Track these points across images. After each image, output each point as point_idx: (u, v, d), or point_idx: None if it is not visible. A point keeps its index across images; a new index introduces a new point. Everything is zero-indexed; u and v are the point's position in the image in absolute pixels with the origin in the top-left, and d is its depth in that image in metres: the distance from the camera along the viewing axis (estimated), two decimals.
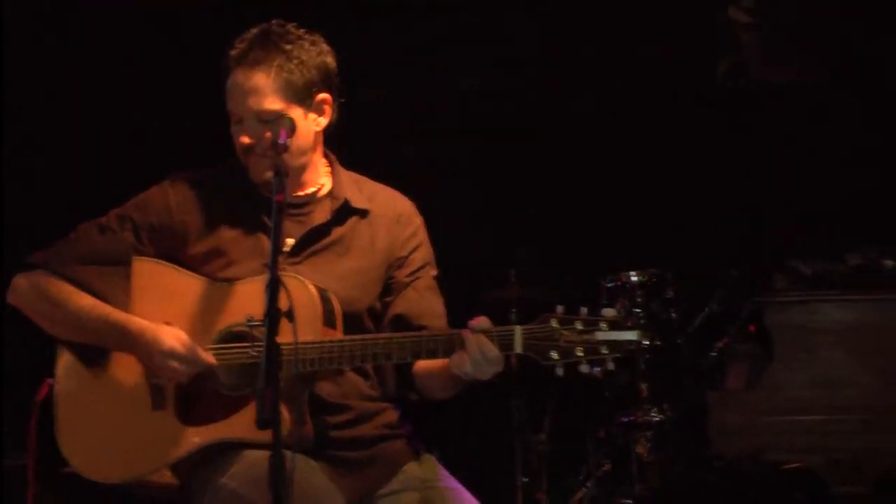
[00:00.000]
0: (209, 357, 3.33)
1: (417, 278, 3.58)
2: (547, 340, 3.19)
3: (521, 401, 5.76)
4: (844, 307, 4.54)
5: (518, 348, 3.19)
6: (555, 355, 3.19)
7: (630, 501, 5.36)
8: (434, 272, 3.64)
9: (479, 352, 3.19)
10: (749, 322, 5.20)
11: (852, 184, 6.01)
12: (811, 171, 6.11)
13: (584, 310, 3.21)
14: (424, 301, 3.56)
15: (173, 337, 3.32)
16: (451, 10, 6.27)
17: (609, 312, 3.20)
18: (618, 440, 5.55)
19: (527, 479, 5.74)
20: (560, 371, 3.21)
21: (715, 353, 5.42)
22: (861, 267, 4.83)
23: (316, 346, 3.26)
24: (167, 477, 3.42)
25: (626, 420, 5.45)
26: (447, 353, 3.26)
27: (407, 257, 3.58)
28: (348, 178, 3.63)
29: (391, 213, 3.61)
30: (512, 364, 5.59)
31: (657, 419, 5.39)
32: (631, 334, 3.18)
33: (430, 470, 3.50)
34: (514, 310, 5.62)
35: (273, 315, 2.85)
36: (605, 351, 3.19)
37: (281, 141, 3.24)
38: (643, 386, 5.45)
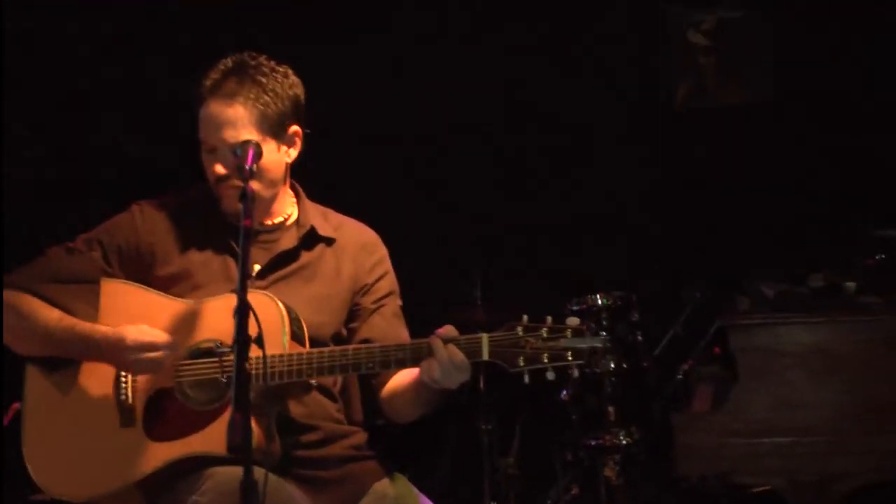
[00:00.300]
0: (169, 338, 3.36)
1: (383, 305, 3.63)
2: (513, 347, 3.24)
3: (490, 424, 5.78)
4: (807, 329, 4.57)
5: (485, 355, 3.25)
6: (521, 362, 3.23)
7: None
8: (399, 302, 3.67)
9: (448, 358, 3.23)
10: (713, 344, 5.24)
11: (812, 206, 6.08)
12: (775, 192, 6.17)
13: (548, 318, 3.27)
14: (391, 327, 3.60)
15: (137, 331, 3.35)
16: None
17: (573, 321, 3.27)
18: (585, 463, 5.58)
19: (495, 503, 5.75)
20: (527, 378, 3.25)
21: (680, 376, 5.46)
22: (823, 289, 4.88)
23: (285, 358, 3.29)
24: (133, 500, 3.43)
25: (593, 443, 5.49)
26: (416, 362, 3.30)
27: (372, 285, 3.64)
28: (314, 208, 3.68)
29: (357, 241, 3.66)
30: (480, 387, 5.64)
31: (625, 442, 5.42)
32: (595, 340, 3.25)
33: (403, 488, 3.53)
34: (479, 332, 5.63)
35: (243, 341, 2.87)
36: (569, 357, 3.23)
37: (248, 165, 3.27)
38: (610, 409, 5.49)
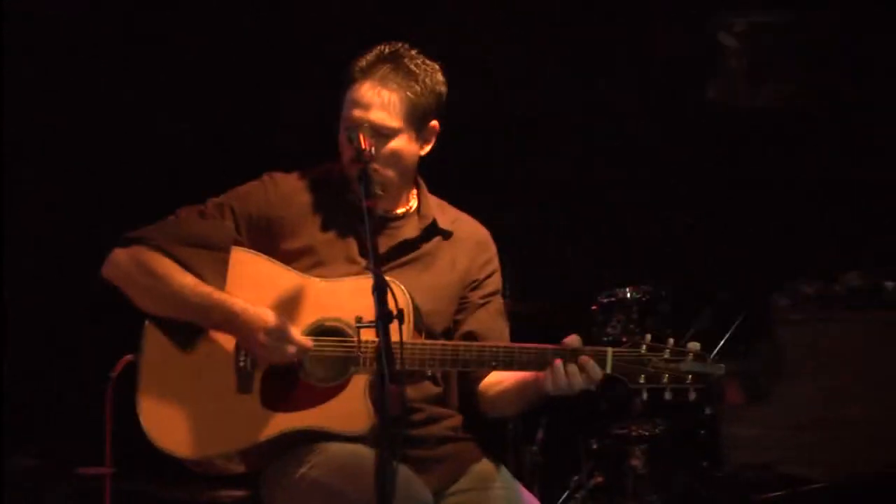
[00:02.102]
0: (307, 341, 3.40)
1: (489, 301, 3.71)
2: (636, 364, 3.37)
3: None
4: (849, 326, 4.70)
5: (608, 368, 3.36)
6: (642, 379, 3.36)
7: None
8: (502, 301, 3.75)
9: (566, 380, 3.36)
10: (740, 340, 5.36)
11: (839, 207, 6.20)
12: (802, 193, 6.29)
13: (671, 340, 3.39)
14: (495, 323, 3.69)
15: (275, 318, 3.38)
16: None
17: (694, 346, 3.39)
18: (611, 452, 5.68)
19: None
20: (645, 395, 3.40)
21: None
22: (861, 288, 5.01)
23: (418, 346, 3.39)
24: (234, 466, 3.50)
25: (619, 432, 5.58)
26: (539, 367, 3.38)
27: (482, 280, 3.71)
28: (433, 201, 3.76)
29: (472, 237, 3.74)
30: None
31: (650, 433, 5.52)
32: (716, 368, 3.40)
33: (505, 473, 3.61)
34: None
35: (385, 317, 2.94)
36: (689, 381, 3.37)
37: (365, 148, 3.35)
38: (637, 400, 5.58)
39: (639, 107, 6.36)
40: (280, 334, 3.37)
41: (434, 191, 3.78)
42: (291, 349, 3.38)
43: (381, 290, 2.96)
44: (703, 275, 6.03)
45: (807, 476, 4.75)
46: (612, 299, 5.64)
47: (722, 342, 5.47)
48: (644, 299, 5.63)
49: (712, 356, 3.40)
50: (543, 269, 6.15)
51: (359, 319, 3.26)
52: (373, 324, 2.96)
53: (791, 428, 4.62)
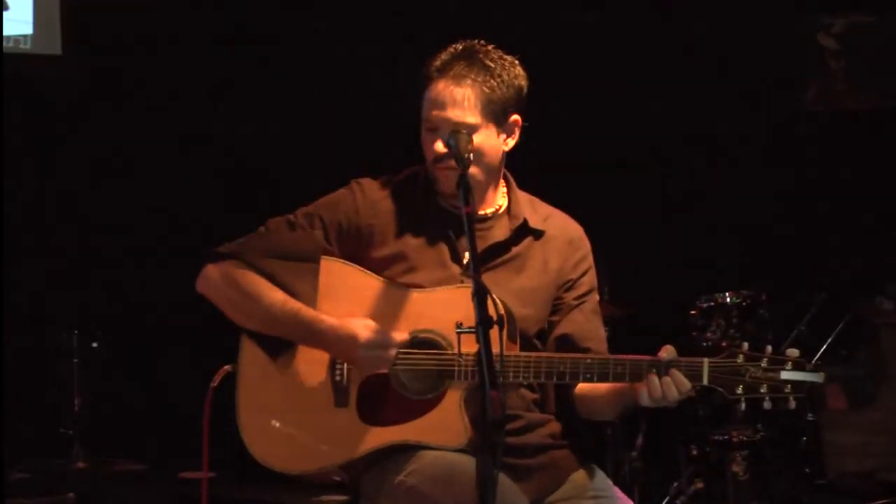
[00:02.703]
0: (402, 336, 3.38)
1: (584, 301, 3.62)
2: (733, 375, 3.29)
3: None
4: None
5: (705, 380, 3.29)
6: (740, 390, 3.29)
7: None
8: (597, 298, 3.70)
9: (661, 394, 3.27)
10: (843, 344, 5.30)
11: None
12: None
13: (768, 348, 3.31)
14: (590, 324, 3.61)
15: (366, 327, 3.37)
16: None
17: (793, 353, 3.30)
18: (711, 458, 5.63)
19: None
20: (743, 406, 3.32)
21: None
22: None
23: (512, 358, 3.35)
24: (335, 477, 3.51)
25: (720, 438, 5.53)
26: (634, 379, 3.33)
27: (577, 280, 3.62)
28: (524, 198, 3.68)
29: (564, 236, 3.65)
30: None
31: (751, 438, 5.46)
32: (815, 376, 3.28)
33: (602, 481, 3.57)
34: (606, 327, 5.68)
35: (485, 322, 2.90)
36: (788, 390, 3.28)
37: (465, 155, 3.33)
38: (738, 405, 5.52)
39: (741, 109, 6.31)
40: (378, 342, 3.36)
41: (527, 189, 3.73)
42: (392, 352, 3.37)
43: (481, 295, 2.93)
44: (805, 279, 5.95)
45: None
46: (712, 304, 5.60)
47: (824, 346, 5.44)
48: (744, 304, 5.58)
49: (812, 363, 3.32)
50: (642, 272, 6.14)
51: (459, 325, 3.18)
52: (473, 329, 2.92)
53: (894, 434, 4.55)
